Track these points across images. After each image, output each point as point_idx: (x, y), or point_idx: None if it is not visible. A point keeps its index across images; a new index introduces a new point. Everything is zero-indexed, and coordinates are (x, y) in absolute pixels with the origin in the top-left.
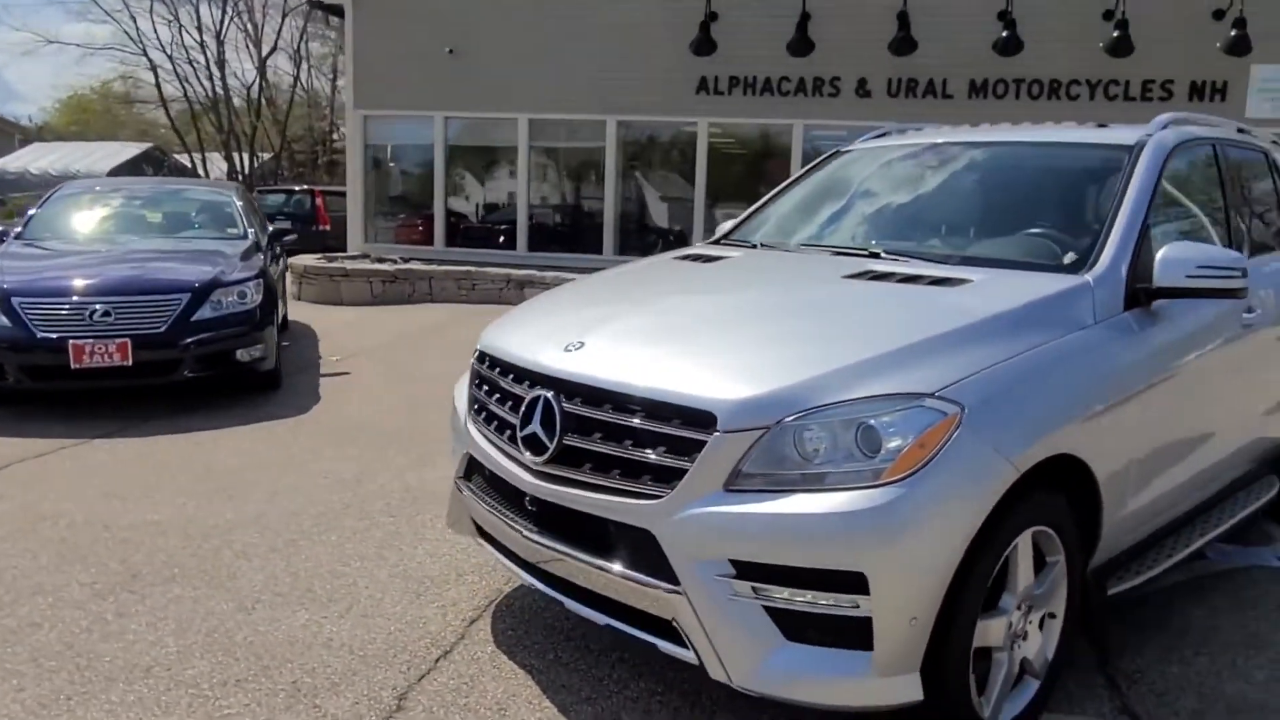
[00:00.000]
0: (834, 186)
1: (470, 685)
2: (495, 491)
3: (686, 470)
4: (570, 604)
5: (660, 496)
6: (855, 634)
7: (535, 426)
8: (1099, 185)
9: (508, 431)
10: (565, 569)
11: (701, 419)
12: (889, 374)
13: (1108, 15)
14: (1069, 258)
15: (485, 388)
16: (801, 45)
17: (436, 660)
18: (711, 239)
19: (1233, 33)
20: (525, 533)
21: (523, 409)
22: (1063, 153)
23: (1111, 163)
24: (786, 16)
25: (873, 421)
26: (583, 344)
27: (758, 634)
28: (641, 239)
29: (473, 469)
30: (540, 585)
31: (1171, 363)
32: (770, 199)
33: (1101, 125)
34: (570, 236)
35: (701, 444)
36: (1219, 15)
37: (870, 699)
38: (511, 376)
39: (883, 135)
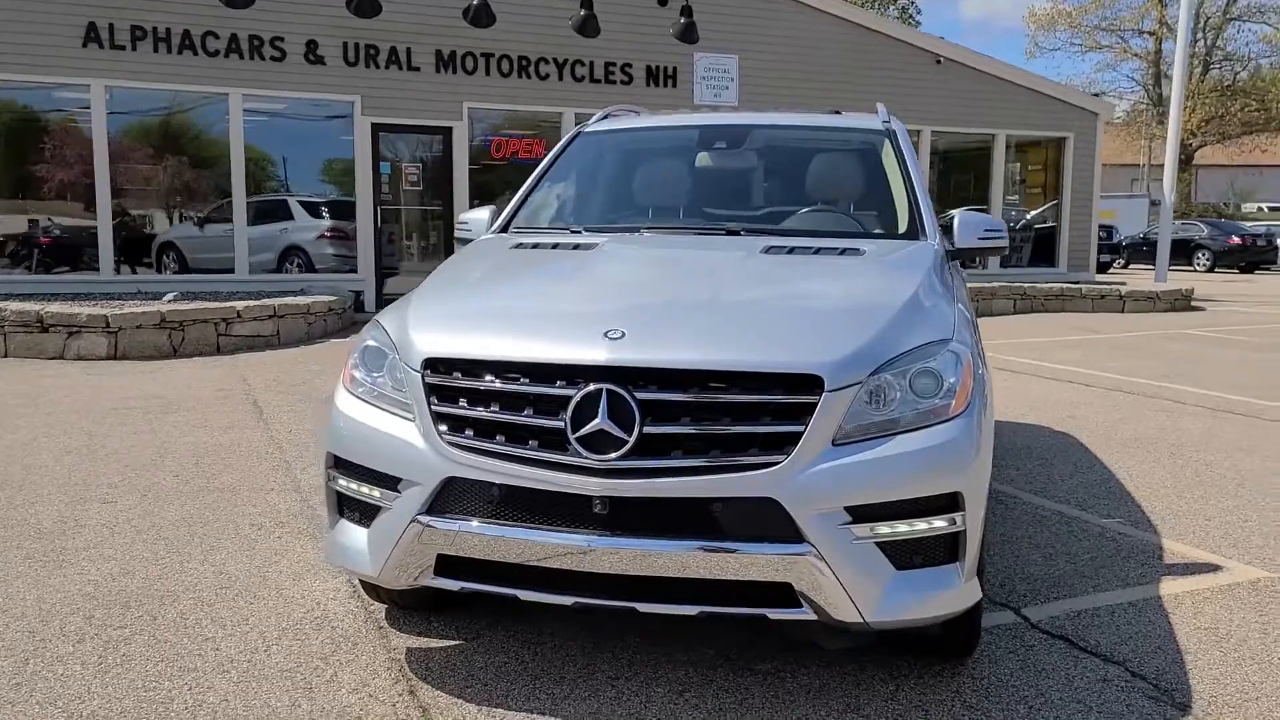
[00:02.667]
0: (618, 169)
1: None
2: (526, 510)
3: (801, 433)
4: (646, 606)
5: (775, 464)
6: (948, 550)
7: (603, 422)
8: (875, 161)
9: (535, 440)
10: (650, 565)
11: (808, 383)
12: (913, 327)
13: None
14: (903, 228)
15: (471, 399)
16: None
17: None
18: (494, 229)
19: (681, 20)
20: (592, 542)
21: (572, 408)
22: (835, 135)
23: (876, 143)
24: None
25: (929, 365)
26: (623, 332)
27: (876, 570)
28: None
29: (454, 499)
30: (596, 601)
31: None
32: (536, 185)
33: (836, 112)
34: None
35: (811, 406)
36: (662, 1)
37: (960, 604)
38: (528, 379)
39: (607, 118)
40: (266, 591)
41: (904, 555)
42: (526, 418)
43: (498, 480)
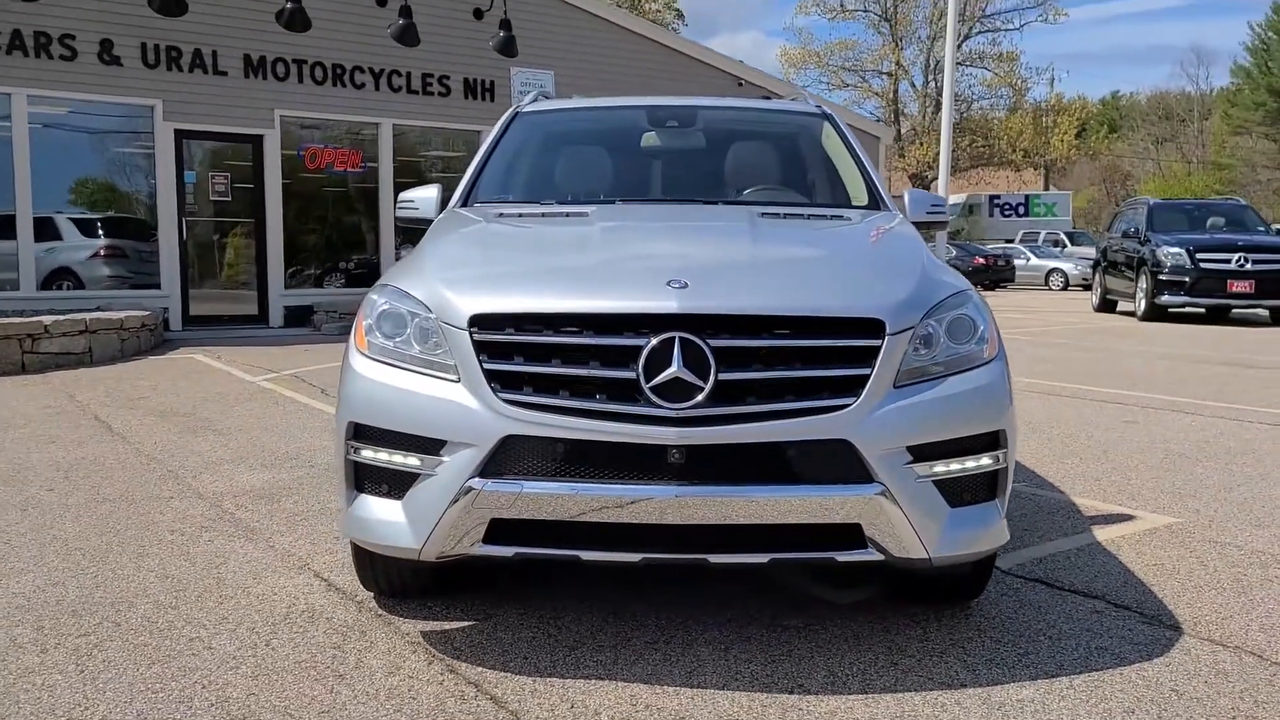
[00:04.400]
0: (568, 147)
1: None
2: (594, 465)
3: (868, 376)
4: (717, 558)
5: (846, 406)
6: (990, 487)
7: (679, 370)
8: (818, 140)
9: (603, 393)
10: (727, 513)
11: (873, 327)
12: (939, 279)
13: (382, 1)
14: (863, 200)
15: (529, 355)
16: None
17: None
18: (455, 204)
19: (501, 33)
20: (666, 492)
21: (644, 357)
22: (776, 116)
23: (815, 125)
24: None
25: (963, 313)
26: (685, 282)
27: (935, 508)
28: None
29: (512, 460)
30: (666, 555)
31: None
32: (486, 164)
33: (766, 97)
34: None
35: (876, 350)
36: (479, 14)
37: (1000, 540)
38: (592, 331)
39: (539, 99)
40: (231, 591)
41: (956, 493)
42: (592, 370)
43: (563, 435)
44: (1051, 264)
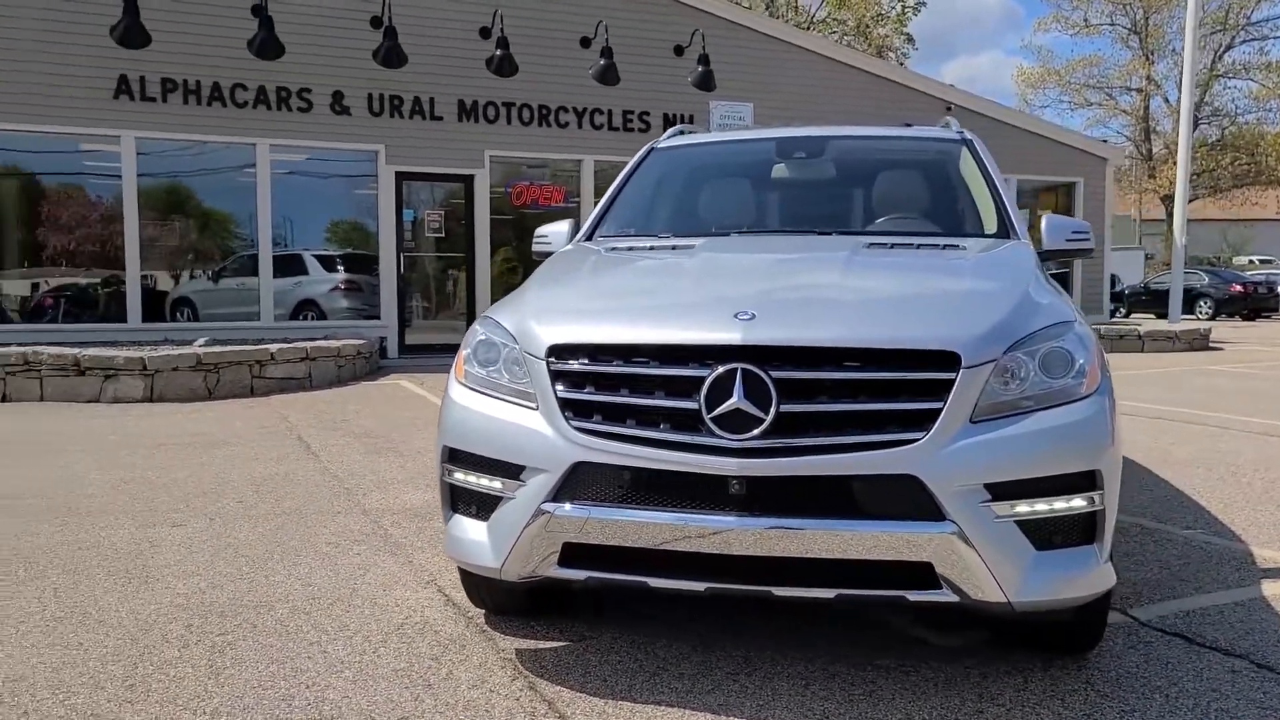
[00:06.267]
0: (697, 180)
1: None
2: (658, 493)
3: (940, 410)
4: (782, 591)
5: (915, 440)
6: (1086, 530)
7: (739, 401)
8: (955, 167)
9: (667, 422)
10: (787, 545)
11: (946, 360)
12: (1037, 310)
13: (585, 43)
14: (992, 228)
15: (599, 384)
16: (269, 46)
17: None
18: (580, 238)
19: (699, 68)
20: (728, 523)
21: (706, 388)
22: (911, 144)
23: (953, 151)
24: (239, 6)
25: (1059, 346)
26: (753, 314)
27: (1016, 550)
28: None
29: (582, 486)
30: (730, 586)
31: None
32: (615, 199)
33: (909, 125)
34: None
35: (950, 383)
36: (679, 51)
37: (1098, 587)
38: (658, 362)
39: (679, 134)
40: (359, 601)
41: (1043, 535)
42: (658, 400)
43: (628, 464)
44: None
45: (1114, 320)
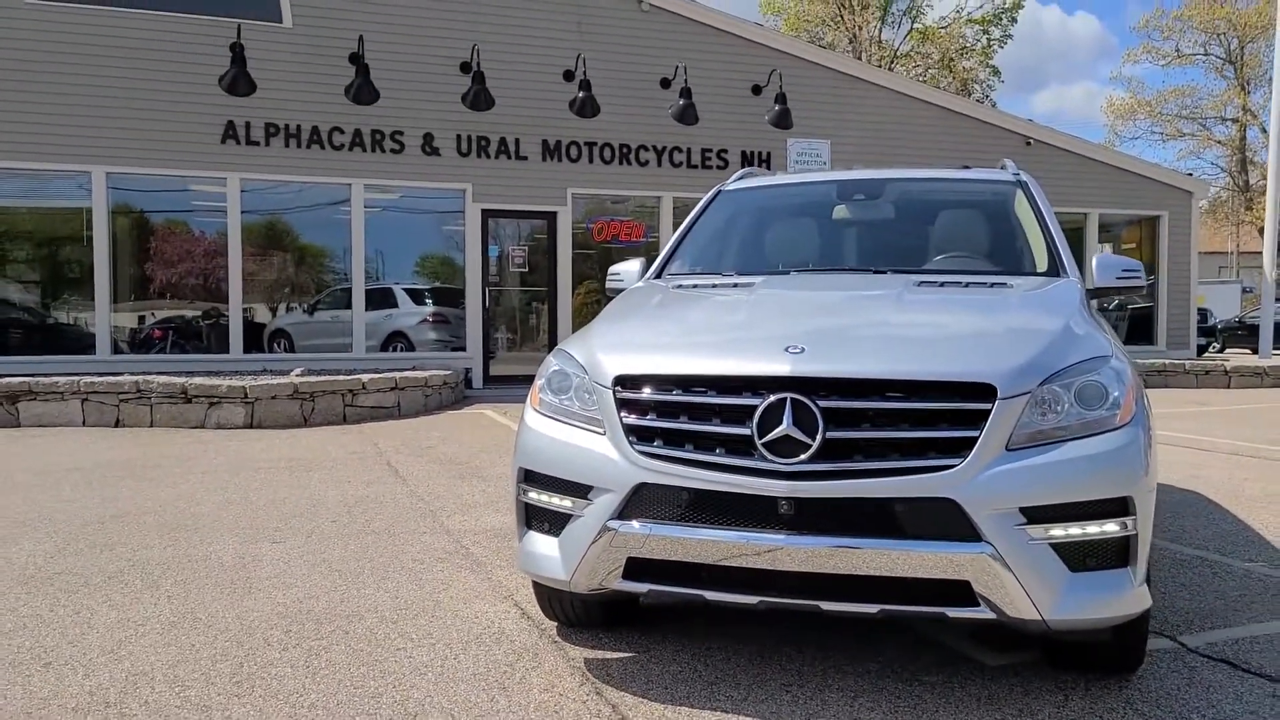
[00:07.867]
0: (762, 221)
1: None
2: (713, 512)
3: (977, 438)
4: (830, 606)
5: (952, 466)
6: (1119, 554)
7: (787, 428)
8: (1009, 209)
9: (722, 447)
10: (832, 563)
11: (983, 391)
12: (1075, 345)
13: (665, 83)
14: (1043, 266)
15: (660, 412)
16: (365, 91)
17: None
18: (649, 276)
19: (776, 107)
20: (777, 541)
21: (758, 416)
22: (967, 186)
23: (1008, 193)
24: (337, 55)
25: (1093, 379)
26: (803, 348)
27: (1051, 571)
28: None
29: (644, 505)
30: (781, 600)
31: None
32: (684, 238)
33: (966, 167)
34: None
35: (986, 413)
36: (757, 90)
37: (1132, 608)
38: (715, 392)
39: (744, 178)
40: (442, 613)
41: (1077, 557)
42: (714, 426)
43: (686, 485)
44: None
45: (1201, 357)
